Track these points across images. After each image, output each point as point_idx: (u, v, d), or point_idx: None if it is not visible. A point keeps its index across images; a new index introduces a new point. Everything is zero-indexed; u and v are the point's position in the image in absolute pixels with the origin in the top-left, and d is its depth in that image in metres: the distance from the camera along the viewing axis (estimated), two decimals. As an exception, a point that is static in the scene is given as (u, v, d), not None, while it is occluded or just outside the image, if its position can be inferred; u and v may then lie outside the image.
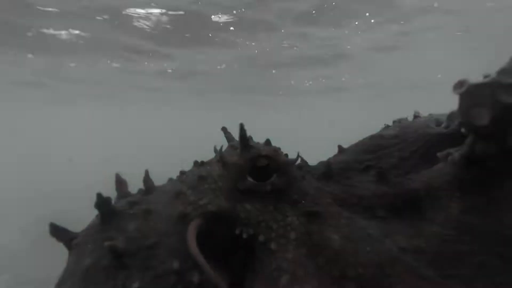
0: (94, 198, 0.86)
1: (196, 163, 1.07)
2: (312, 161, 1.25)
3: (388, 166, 1.10)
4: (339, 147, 1.32)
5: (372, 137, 1.33)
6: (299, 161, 1.08)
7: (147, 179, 1.01)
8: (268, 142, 1.03)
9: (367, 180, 1.01)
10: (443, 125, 1.26)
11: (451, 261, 0.80)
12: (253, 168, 0.92)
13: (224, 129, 1.19)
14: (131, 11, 8.46)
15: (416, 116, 1.47)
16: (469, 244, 0.81)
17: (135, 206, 0.91)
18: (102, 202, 0.87)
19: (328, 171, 1.02)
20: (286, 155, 1.06)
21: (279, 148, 1.01)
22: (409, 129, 1.30)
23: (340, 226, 0.86)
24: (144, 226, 0.86)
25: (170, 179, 1.06)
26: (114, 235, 0.84)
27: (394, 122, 1.50)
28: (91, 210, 0.94)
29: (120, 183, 1.03)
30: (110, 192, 1.00)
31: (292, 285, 0.77)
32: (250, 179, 0.91)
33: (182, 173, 1.04)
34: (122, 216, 0.88)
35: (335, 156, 1.28)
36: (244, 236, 0.86)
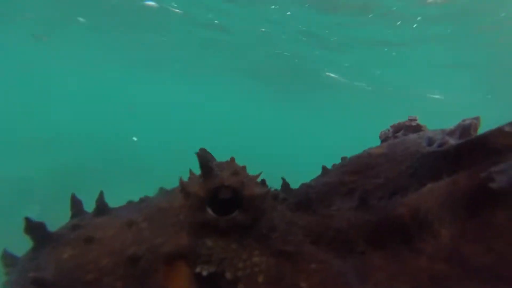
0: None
1: (160, 190, 0.97)
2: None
3: (372, 188, 0.99)
4: (323, 168, 1.23)
5: (359, 156, 1.22)
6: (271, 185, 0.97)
7: (99, 199, 0.89)
8: (235, 168, 0.90)
9: (348, 207, 0.90)
10: (435, 144, 1.16)
11: None
12: (214, 199, 0.81)
13: (201, 152, 1.00)
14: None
15: (411, 122, 1.36)
16: (461, 280, 0.68)
17: (77, 230, 0.80)
18: (31, 228, 0.76)
19: (304, 200, 0.90)
20: (263, 181, 0.95)
21: (254, 176, 0.90)
22: (399, 147, 1.19)
23: (310, 272, 0.75)
24: (82, 256, 0.74)
25: (129, 202, 0.96)
26: (43, 264, 0.73)
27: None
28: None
29: (74, 203, 0.92)
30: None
31: None
32: (210, 212, 0.81)
33: (142, 200, 0.94)
34: (59, 242, 0.77)
35: (318, 177, 1.18)
36: (204, 274, 0.75)
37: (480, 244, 0.70)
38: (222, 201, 0.81)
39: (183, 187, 0.85)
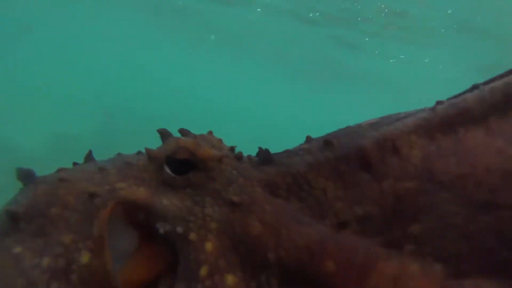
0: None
1: (138, 152, 1.03)
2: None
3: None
4: (307, 137, 1.08)
5: (348, 127, 1.08)
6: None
7: (88, 156, 1.01)
8: (195, 135, 0.97)
9: (310, 152, 0.88)
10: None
11: (406, 219, 0.66)
12: (173, 160, 0.86)
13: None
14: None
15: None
16: (432, 194, 0.66)
17: (59, 172, 0.90)
18: (22, 175, 0.89)
19: (265, 157, 0.90)
20: (232, 148, 0.98)
21: (213, 140, 0.96)
22: (392, 117, 1.13)
23: (263, 213, 0.76)
24: (52, 193, 0.84)
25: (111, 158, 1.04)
26: (21, 199, 0.84)
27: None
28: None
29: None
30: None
31: (212, 277, 0.70)
32: (167, 170, 0.86)
33: (119, 154, 1.02)
34: (40, 181, 0.88)
35: (300, 145, 1.09)
36: (161, 231, 0.80)
37: (452, 158, 0.67)
38: (180, 162, 0.85)
39: (147, 152, 0.91)
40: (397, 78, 17.35)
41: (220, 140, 1.00)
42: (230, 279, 0.70)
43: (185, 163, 0.85)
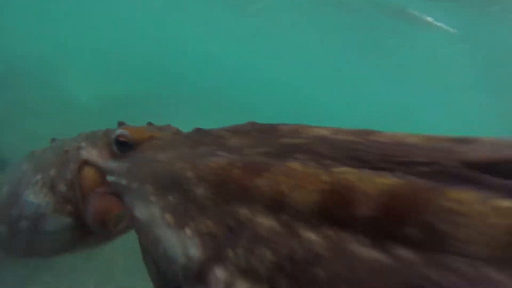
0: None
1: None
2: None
3: None
4: None
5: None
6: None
7: None
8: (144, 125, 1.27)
9: None
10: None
11: (293, 152, 0.79)
12: (119, 141, 1.18)
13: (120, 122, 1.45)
14: None
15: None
16: (307, 144, 0.80)
17: None
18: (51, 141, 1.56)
19: (197, 129, 1.09)
20: (177, 130, 1.22)
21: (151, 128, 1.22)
22: None
23: (185, 157, 0.91)
24: (54, 146, 1.44)
25: None
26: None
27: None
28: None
29: None
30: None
31: (159, 200, 0.88)
32: (114, 148, 1.19)
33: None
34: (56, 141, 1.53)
35: None
36: (109, 180, 1.10)
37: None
38: (124, 142, 1.17)
39: (106, 131, 1.30)
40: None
41: (176, 129, 1.25)
42: (171, 198, 0.87)
43: (128, 143, 1.16)
